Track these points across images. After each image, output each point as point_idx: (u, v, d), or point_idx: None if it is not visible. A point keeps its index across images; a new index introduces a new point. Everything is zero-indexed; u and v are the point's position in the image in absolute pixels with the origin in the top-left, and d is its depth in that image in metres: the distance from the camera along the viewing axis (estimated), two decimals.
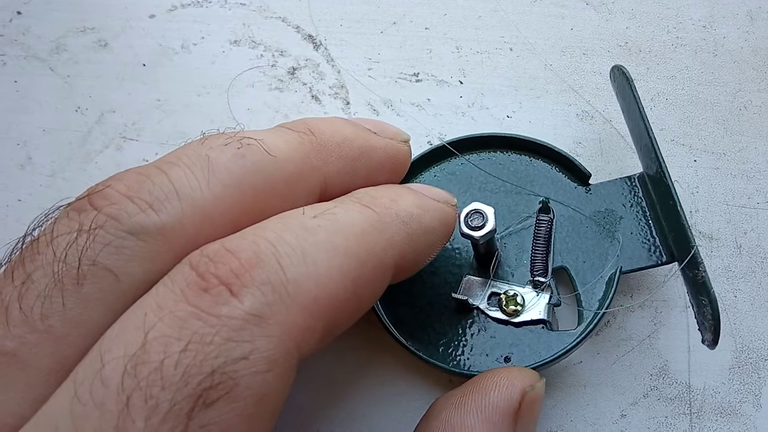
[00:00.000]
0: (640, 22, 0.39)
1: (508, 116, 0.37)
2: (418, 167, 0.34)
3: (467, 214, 0.29)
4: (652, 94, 0.37)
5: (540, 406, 0.26)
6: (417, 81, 0.38)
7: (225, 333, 0.19)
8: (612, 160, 0.36)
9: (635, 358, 0.32)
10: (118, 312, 0.21)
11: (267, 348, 0.20)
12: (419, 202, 0.26)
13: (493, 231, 0.28)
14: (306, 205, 0.24)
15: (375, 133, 0.28)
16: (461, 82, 0.38)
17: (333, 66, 0.38)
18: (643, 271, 0.31)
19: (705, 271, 0.27)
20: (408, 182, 0.33)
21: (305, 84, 0.38)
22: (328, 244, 0.22)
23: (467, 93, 0.38)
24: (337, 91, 0.37)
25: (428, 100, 0.37)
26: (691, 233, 0.28)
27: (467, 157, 0.34)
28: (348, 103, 0.37)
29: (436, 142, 0.35)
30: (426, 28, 0.39)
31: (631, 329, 0.32)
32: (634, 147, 0.33)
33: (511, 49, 0.38)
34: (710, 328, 0.27)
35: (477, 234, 0.28)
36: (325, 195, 0.26)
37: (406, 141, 0.30)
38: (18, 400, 0.19)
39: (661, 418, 0.31)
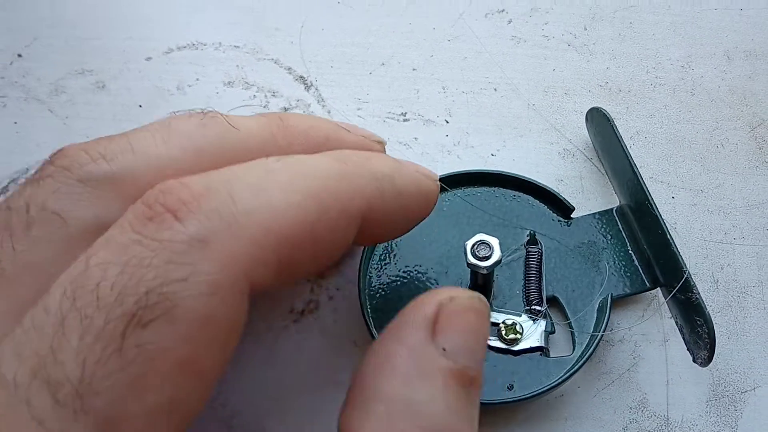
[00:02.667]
0: (620, 62, 0.40)
1: (492, 154, 0.38)
2: None
3: (474, 244, 0.29)
4: (632, 132, 0.38)
5: (475, 320, 0.24)
6: (405, 120, 0.39)
7: (165, 255, 0.19)
8: (592, 196, 0.37)
9: (615, 391, 0.33)
10: (69, 254, 0.21)
11: (209, 272, 0.19)
12: (395, 165, 0.26)
13: (499, 261, 0.29)
14: None
15: (348, 130, 0.29)
16: (447, 122, 0.39)
17: (323, 106, 0.39)
18: (628, 297, 0.33)
19: (699, 293, 0.29)
20: None
21: None
22: (288, 184, 0.22)
23: (453, 132, 0.39)
24: None
25: (415, 138, 0.39)
26: (682, 259, 0.30)
27: (455, 192, 0.35)
28: None
29: None
30: (413, 69, 0.40)
31: (610, 363, 0.33)
32: (614, 186, 0.35)
33: (495, 90, 0.40)
34: (706, 346, 0.29)
35: (484, 264, 0.29)
36: None
37: (380, 143, 0.29)
38: None
39: None
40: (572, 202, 0.35)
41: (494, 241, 0.30)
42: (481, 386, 0.24)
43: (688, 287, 0.30)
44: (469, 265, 0.29)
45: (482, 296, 0.24)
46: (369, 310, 0.33)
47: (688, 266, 0.30)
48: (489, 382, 0.31)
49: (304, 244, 0.22)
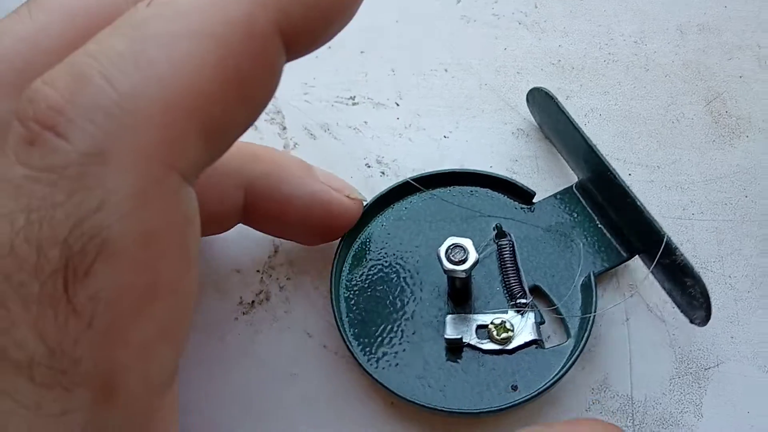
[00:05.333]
0: (572, 39, 0.39)
1: (445, 136, 0.37)
2: (361, 222, 0.33)
3: (447, 249, 0.28)
4: (586, 110, 0.38)
5: None
6: (353, 104, 0.38)
7: (65, 187, 0.16)
8: (548, 176, 0.36)
9: (575, 372, 0.32)
10: None
11: (123, 185, 0.17)
12: None
13: (476, 262, 0.28)
14: None
15: None
16: (398, 104, 0.38)
17: None
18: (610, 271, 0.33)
19: (682, 254, 0.28)
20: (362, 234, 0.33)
21: None
22: (166, 35, 0.17)
23: (404, 115, 0.38)
24: (273, 117, 0.37)
25: (365, 122, 0.37)
26: (657, 223, 0.29)
27: (410, 199, 0.34)
28: (284, 128, 0.37)
29: (376, 165, 0.35)
30: (361, 52, 0.39)
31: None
32: (568, 163, 0.34)
33: (446, 71, 0.39)
34: (702, 305, 0.28)
35: (463, 267, 0.28)
36: None
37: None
38: None
39: None
40: (529, 183, 0.34)
41: (467, 243, 0.28)
42: None
43: (669, 250, 0.29)
44: (446, 271, 0.28)
45: None
46: (347, 327, 0.31)
47: (664, 229, 0.29)
48: (491, 386, 0.30)
49: (222, 95, 0.18)
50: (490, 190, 0.34)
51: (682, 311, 0.31)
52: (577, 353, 0.29)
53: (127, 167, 0.17)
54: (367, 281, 0.32)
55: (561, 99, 0.37)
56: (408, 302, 0.31)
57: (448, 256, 0.28)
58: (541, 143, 0.37)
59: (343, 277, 0.32)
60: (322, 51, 0.38)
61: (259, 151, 0.30)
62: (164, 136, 0.17)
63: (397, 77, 0.39)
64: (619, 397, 0.31)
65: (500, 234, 0.33)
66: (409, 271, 0.32)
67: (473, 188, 0.34)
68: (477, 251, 0.29)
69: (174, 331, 0.19)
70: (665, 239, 0.29)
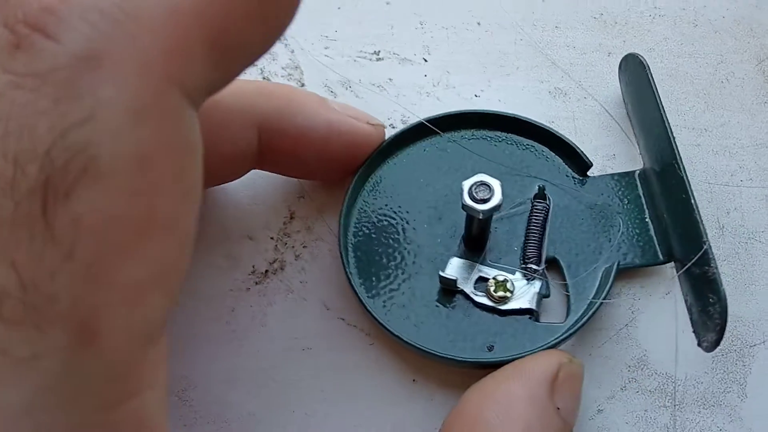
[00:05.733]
0: None
1: (476, 95, 0.35)
2: (403, 142, 0.32)
3: (473, 185, 0.26)
4: None
5: (579, 387, 0.26)
6: (378, 60, 0.36)
7: (51, 93, 0.14)
8: (586, 139, 0.34)
9: (612, 348, 0.30)
10: None
11: (117, 96, 0.15)
12: None
13: (498, 206, 0.26)
14: None
15: None
16: (425, 60, 0.36)
17: (286, 45, 0.36)
18: (635, 270, 0.30)
19: (716, 268, 0.26)
20: (390, 161, 0.32)
21: (255, 65, 0.35)
22: None
23: (432, 71, 0.35)
24: (291, 72, 0.35)
25: (390, 80, 0.35)
26: (704, 228, 0.27)
27: (462, 134, 0.32)
28: (303, 85, 0.35)
29: (401, 125, 0.33)
30: (387, 3, 0.37)
31: (607, 319, 0.30)
32: (634, 140, 0.33)
33: (478, 24, 0.36)
34: (715, 328, 0.26)
35: (482, 207, 0.26)
36: None
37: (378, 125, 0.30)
38: None
39: (640, 412, 0.29)
40: None
41: (496, 184, 0.26)
42: None
43: (705, 260, 0.27)
44: (464, 207, 0.26)
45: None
46: (349, 250, 0.30)
47: (708, 238, 0.27)
48: (469, 339, 0.28)
49: (237, 5, 0.16)
50: (547, 149, 0.32)
51: (693, 330, 0.29)
52: (566, 335, 0.28)
53: (124, 76, 0.15)
54: (381, 213, 0.31)
55: (602, 56, 0.34)
56: (420, 235, 0.30)
57: (471, 191, 0.26)
58: (580, 104, 0.34)
59: (356, 210, 0.31)
60: (344, 2, 0.37)
61: (271, 88, 0.29)
62: (169, 45, 0.15)
63: (425, 31, 0.36)
64: (658, 376, 0.29)
65: (540, 195, 0.31)
66: (432, 205, 0.31)
67: (531, 142, 0.32)
68: (509, 204, 0.28)
69: (167, 276, 0.17)
70: (705, 246, 0.27)
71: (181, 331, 0.30)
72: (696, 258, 0.27)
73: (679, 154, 0.28)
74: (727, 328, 0.29)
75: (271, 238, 0.32)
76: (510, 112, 0.32)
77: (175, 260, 0.17)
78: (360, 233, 0.31)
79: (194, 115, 0.17)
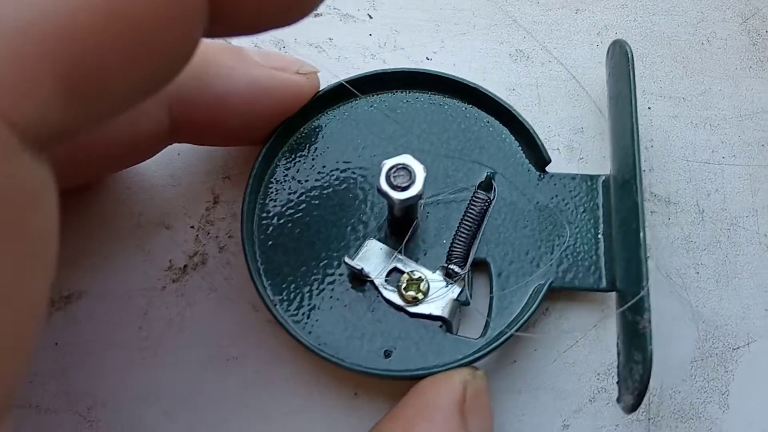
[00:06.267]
0: None
1: (427, 58, 0.31)
2: (325, 106, 0.28)
3: (391, 168, 0.23)
4: (599, 27, 0.31)
5: (488, 400, 0.23)
6: (316, 15, 0.31)
7: None
8: (551, 109, 0.30)
9: (579, 354, 0.26)
10: None
11: None
12: None
13: (417, 197, 0.23)
14: None
15: None
16: (370, 17, 0.31)
17: None
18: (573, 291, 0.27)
19: (649, 321, 0.22)
20: (308, 128, 0.28)
21: None
22: None
23: (378, 30, 0.31)
24: None
25: (330, 39, 0.31)
26: (647, 270, 0.22)
27: (405, 96, 0.28)
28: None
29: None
30: None
31: (574, 319, 0.27)
32: (606, 113, 0.29)
33: None
34: (633, 391, 0.22)
35: (398, 196, 0.22)
36: None
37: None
38: None
39: (611, 427, 0.26)
40: (528, 116, 0.27)
41: (419, 170, 0.23)
42: None
43: (639, 308, 0.22)
44: (380, 191, 0.23)
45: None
46: (255, 241, 0.26)
47: (649, 280, 0.22)
48: (367, 338, 0.25)
49: (101, 37, 0.13)
50: (507, 132, 0.28)
51: (617, 381, 0.24)
52: (475, 356, 0.24)
53: None
54: (297, 190, 0.27)
55: (569, 13, 0.30)
56: (341, 214, 0.27)
57: (390, 175, 0.23)
58: (544, 69, 0.30)
59: (265, 189, 0.27)
60: None
61: None
62: (3, 74, 0.12)
63: None
64: None
65: (486, 185, 0.27)
66: (359, 177, 0.27)
67: (491, 119, 0.28)
68: (448, 188, 0.25)
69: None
70: (643, 292, 0.22)
71: (85, 338, 0.26)
72: (630, 303, 0.23)
73: (639, 175, 0.24)
74: (707, 329, 0.27)
75: (191, 227, 0.28)
76: (465, 77, 0.28)
77: (10, 341, 0.13)
78: (270, 216, 0.27)
79: (43, 161, 0.13)
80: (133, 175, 0.28)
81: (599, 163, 0.29)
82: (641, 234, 0.23)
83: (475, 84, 0.28)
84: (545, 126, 0.29)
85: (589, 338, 0.26)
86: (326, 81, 0.27)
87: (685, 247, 0.28)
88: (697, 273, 0.28)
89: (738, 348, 0.27)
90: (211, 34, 0.16)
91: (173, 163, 0.28)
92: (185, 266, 0.27)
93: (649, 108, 0.30)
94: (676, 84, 0.30)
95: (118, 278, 0.27)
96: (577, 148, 0.29)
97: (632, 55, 0.26)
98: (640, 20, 0.31)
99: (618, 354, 0.24)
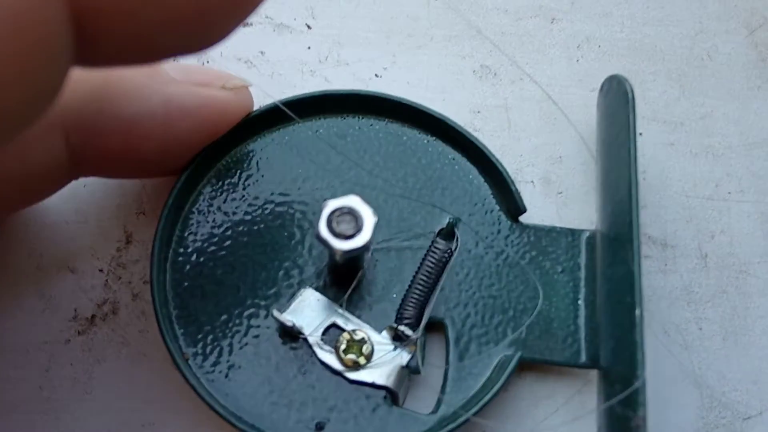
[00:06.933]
0: None
1: (376, 74, 0.28)
2: (256, 130, 0.25)
3: (334, 211, 0.20)
4: (579, 39, 0.28)
5: None
6: (245, 25, 0.27)
7: None
8: (523, 135, 0.27)
9: (561, 421, 0.23)
10: None
11: None
12: None
13: (363, 248, 0.20)
14: None
15: None
16: (309, 27, 0.28)
17: None
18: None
19: (644, 419, 0.18)
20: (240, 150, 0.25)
21: None
22: None
23: (318, 43, 0.28)
24: None
25: (262, 53, 0.28)
26: (643, 356, 0.19)
27: (366, 119, 0.25)
28: None
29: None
30: None
31: (553, 380, 0.24)
32: (588, 140, 0.25)
33: None
34: None
35: (340, 246, 0.20)
36: None
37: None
38: None
39: None
40: (494, 145, 0.25)
41: (368, 216, 0.20)
42: None
43: (633, 403, 0.19)
44: (319, 238, 0.20)
45: None
46: (168, 293, 0.23)
47: (645, 370, 0.19)
48: (296, 407, 0.22)
49: None
50: (477, 172, 0.25)
51: None
52: None
53: None
54: (220, 227, 0.24)
55: (543, 23, 0.27)
56: (272, 256, 0.24)
57: (331, 220, 0.20)
58: (514, 88, 0.27)
59: (180, 227, 0.24)
60: None
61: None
62: None
63: None
64: None
65: (448, 233, 0.24)
66: (296, 214, 0.25)
67: (458, 155, 0.25)
68: (404, 233, 0.23)
69: None
70: (638, 384, 0.19)
71: None
72: (623, 395, 0.19)
73: (638, 239, 0.21)
74: (713, 395, 0.25)
75: (100, 271, 0.25)
76: (421, 97, 0.25)
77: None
78: (187, 252, 0.24)
79: None
80: (32, 209, 0.26)
81: (582, 200, 0.26)
82: (637, 312, 0.20)
83: (441, 115, 0.25)
84: (516, 155, 0.26)
85: (572, 403, 0.23)
86: (259, 101, 0.24)
87: (686, 298, 0.25)
88: (700, 329, 0.25)
89: (749, 418, 0.24)
90: (93, 64, 0.15)
91: (79, 195, 0.26)
92: (93, 316, 0.25)
93: (641, 134, 0.27)
94: (672, 106, 0.27)
95: (15, 330, 0.25)
96: (555, 181, 0.26)
97: (633, 95, 0.22)
98: (627, 31, 0.28)
99: None
